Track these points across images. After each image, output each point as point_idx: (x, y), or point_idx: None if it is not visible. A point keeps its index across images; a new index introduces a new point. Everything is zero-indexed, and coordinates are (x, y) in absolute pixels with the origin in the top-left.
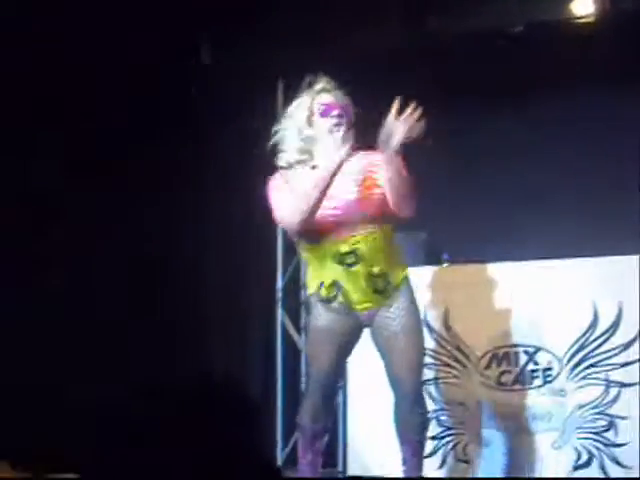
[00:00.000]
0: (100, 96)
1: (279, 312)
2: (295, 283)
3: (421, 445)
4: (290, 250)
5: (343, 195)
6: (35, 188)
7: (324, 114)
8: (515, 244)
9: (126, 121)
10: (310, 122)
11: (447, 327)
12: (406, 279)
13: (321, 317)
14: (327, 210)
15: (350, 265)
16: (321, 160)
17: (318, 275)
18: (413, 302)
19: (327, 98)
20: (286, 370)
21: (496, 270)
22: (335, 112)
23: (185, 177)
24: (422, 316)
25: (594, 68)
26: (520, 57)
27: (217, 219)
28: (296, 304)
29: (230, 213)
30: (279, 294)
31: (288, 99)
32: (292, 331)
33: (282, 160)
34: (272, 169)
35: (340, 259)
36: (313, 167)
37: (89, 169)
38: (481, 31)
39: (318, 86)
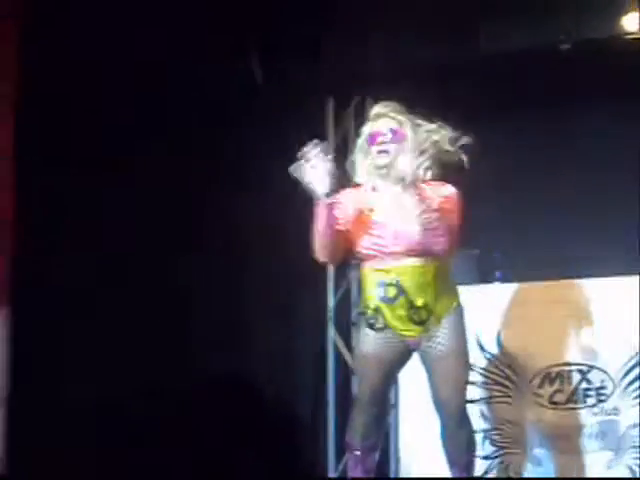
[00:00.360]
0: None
1: (330, 330)
2: (347, 301)
3: (468, 466)
4: (342, 268)
5: (392, 223)
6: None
7: (371, 143)
8: (568, 262)
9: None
10: (367, 152)
11: (499, 346)
12: (455, 308)
13: (369, 338)
14: (375, 238)
15: (391, 300)
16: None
17: (367, 297)
18: (459, 329)
19: (376, 126)
20: (337, 388)
21: (549, 289)
22: (380, 139)
23: (236, 194)
24: (474, 336)
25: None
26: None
27: (271, 237)
28: (347, 322)
29: (283, 230)
30: (331, 312)
31: (338, 118)
32: (343, 349)
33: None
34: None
35: (381, 289)
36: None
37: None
38: (527, 48)
39: (373, 112)
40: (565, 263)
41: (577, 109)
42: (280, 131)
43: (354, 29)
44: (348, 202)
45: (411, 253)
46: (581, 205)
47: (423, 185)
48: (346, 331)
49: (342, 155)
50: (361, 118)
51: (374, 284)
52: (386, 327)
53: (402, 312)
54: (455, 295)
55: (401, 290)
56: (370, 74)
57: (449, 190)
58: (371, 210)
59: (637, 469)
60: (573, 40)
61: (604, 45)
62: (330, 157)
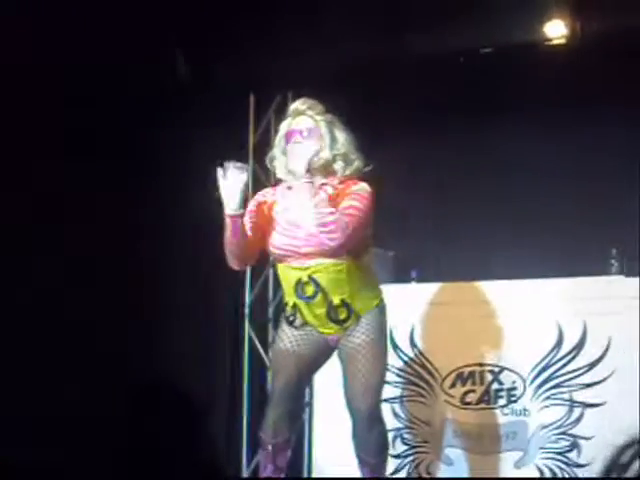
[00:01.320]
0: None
1: (246, 327)
2: (263, 299)
3: (379, 467)
4: (258, 265)
5: (304, 225)
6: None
7: (287, 141)
8: (482, 264)
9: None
10: (284, 151)
11: (413, 345)
12: (375, 307)
13: (288, 334)
14: (288, 239)
15: (309, 298)
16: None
17: (285, 294)
18: (378, 327)
19: (293, 123)
20: (252, 386)
21: (462, 289)
22: (295, 138)
23: (154, 188)
24: (388, 334)
25: (562, 90)
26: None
27: (188, 234)
28: (263, 320)
29: (199, 227)
30: (246, 309)
31: (260, 115)
32: (259, 346)
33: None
34: None
35: (298, 287)
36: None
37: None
38: (454, 50)
39: (291, 108)
40: (480, 264)
41: (497, 113)
42: (203, 128)
43: (278, 26)
44: (264, 203)
45: (323, 253)
46: (498, 208)
47: (337, 184)
48: (262, 328)
49: (263, 152)
50: (282, 115)
51: (291, 282)
52: (305, 324)
53: (320, 310)
54: (377, 294)
55: (318, 288)
56: (293, 71)
57: (360, 186)
58: (285, 209)
59: (546, 469)
60: (494, 45)
61: (525, 51)
62: (245, 174)
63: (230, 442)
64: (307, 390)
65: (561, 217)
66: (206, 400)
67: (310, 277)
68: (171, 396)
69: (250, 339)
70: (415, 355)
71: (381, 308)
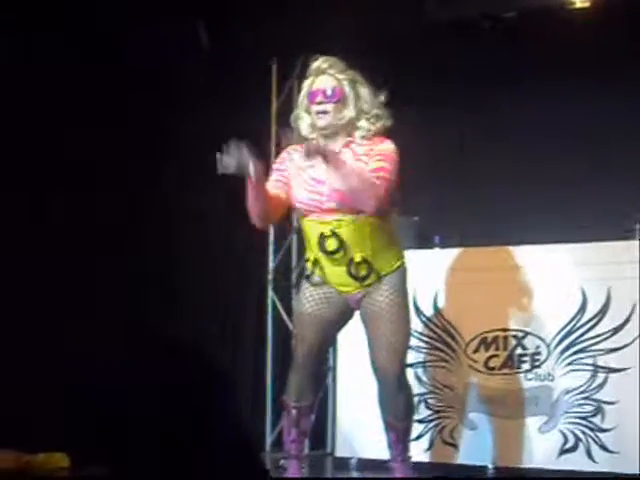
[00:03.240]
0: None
1: (270, 294)
2: (286, 265)
3: (405, 431)
4: (282, 232)
5: (329, 181)
6: None
7: (311, 101)
8: (505, 229)
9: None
10: (308, 110)
11: (436, 310)
12: (397, 268)
13: (307, 297)
14: (312, 194)
15: (331, 253)
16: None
17: (307, 249)
18: (401, 289)
19: (316, 83)
20: (276, 351)
21: (486, 255)
22: (319, 98)
23: (180, 156)
24: (411, 300)
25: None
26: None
27: (209, 199)
28: (287, 286)
29: (224, 193)
30: (270, 276)
31: (282, 80)
32: (282, 312)
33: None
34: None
35: (321, 241)
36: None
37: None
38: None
39: (313, 66)
40: (503, 230)
41: (518, 79)
42: (225, 93)
43: None
44: (290, 160)
45: (345, 209)
46: (522, 172)
47: (363, 142)
48: (285, 294)
49: (287, 117)
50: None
51: (315, 236)
52: (324, 283)
53: (341, 267)
54: (399, 255)
55: (341, 243)
56: (314, 36)
57: (386, 145)
58: (310, 167)
59: (570, 434)
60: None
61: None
62: (244, 146)
63: (254, 408)
64: (331, 354)
65: (585, 181)
66: (231, 366)
67: (333, 232)
68: (196, 362)
69: (274, 305)
70: (439, 320)
71: (403, 270)
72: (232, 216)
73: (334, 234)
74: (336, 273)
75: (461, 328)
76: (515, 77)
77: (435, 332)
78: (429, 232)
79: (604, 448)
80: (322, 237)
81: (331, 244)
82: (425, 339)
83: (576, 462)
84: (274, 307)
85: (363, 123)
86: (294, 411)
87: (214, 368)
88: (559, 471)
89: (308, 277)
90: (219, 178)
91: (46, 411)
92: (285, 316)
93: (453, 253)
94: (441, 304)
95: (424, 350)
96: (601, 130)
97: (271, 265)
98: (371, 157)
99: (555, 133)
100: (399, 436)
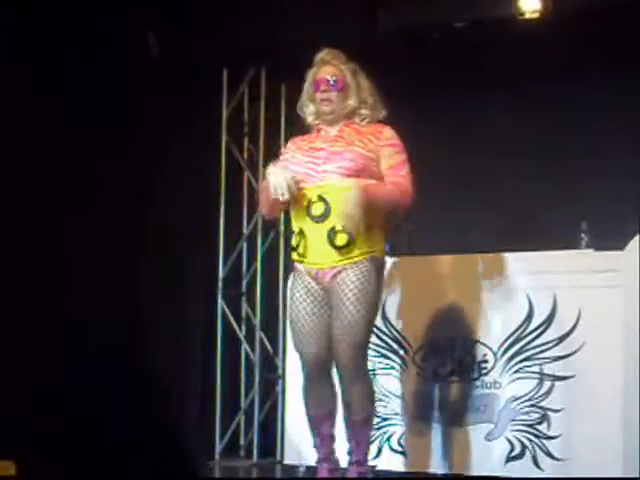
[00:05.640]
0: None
1: (219, 302)
2: (237, 272)
3: (364, 425)
4: (232, 239)
5: (328, 149)
6: None
7: (315, 89)
8: (454, 237)
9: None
10: (313, 98)
11: (385, 318)
12: (374, 257)
13: (297, 289)
14: (309, 158)
15: (318, 218)
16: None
17: (294, 222)
18: (374, 278)
19: (320, 72)
20: (226, 360)
21: (433, 263)
22: (323, 87)
23: (136, 166)
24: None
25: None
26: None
27: (159, 205)
28: (237, 294)
29: (172, 200)
30: (220, 284)
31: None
32: (233, 321)
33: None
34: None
35: (309, 206)
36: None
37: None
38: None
39: (318, 57)
40: (452, 237)
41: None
42: (176, 102)
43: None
44: (295, 148)
45: (341, 172)
46: (469, 181)
47: (363, 129)
48: (236, 302)
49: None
50: (256, 90)
51: (303, 204)
52: (304, 256)
53: (322, 235)
54: (379, 248)
55: (327, 209)
56: (266, 46)
57: (390, 132)
58: (311, 142)
59: (516, 442)
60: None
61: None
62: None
63: (203, 416)
64: (280, 363)
65: (532, 192)
66: (179, 374)
67: (320, 197)
68: (144, 372)
69: (223, 313)
70: (387, 329)
71: (382, 261)
72: (183, 225)
73: (322, 199)
74: (317, 242)
75: (409, 336)
76: (464, 88)
77: (383, 340)
78: None
79: (550, 455)
80: (310, 203)
81: (317, 208)
82: (374, 347)
83: (523, 469)
84: (224, 315)
85: (364, 111)
86: (314, 418)
87: (163, 376)
88: (506, 478)
89: (293, 247)
90: (170, 184)
91: None
92: (235, 325)
93: (402, 261)
94: (390, 312)
95: (372, 358)
96: (551, 141)
97: (221, 274)
98: (380, 140)
99: (505, 143)
100: (357, 431)
